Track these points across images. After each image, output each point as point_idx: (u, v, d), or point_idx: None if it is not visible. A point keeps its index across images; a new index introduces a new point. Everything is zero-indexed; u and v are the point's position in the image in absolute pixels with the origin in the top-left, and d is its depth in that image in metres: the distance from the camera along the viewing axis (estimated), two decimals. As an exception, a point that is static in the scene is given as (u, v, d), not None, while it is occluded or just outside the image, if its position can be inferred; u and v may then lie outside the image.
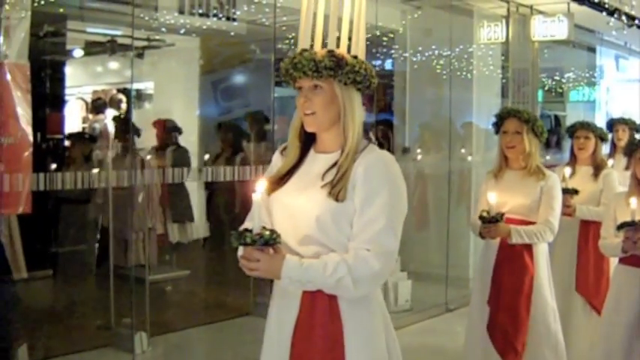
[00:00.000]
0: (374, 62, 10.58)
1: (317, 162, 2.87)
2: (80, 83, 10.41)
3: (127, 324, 6.28)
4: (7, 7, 4.88)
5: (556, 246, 5.58)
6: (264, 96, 9.07)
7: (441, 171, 9.14)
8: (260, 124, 8.52)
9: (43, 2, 5.40)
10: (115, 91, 10.38)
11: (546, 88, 12.91)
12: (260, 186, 2.68)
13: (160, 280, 7.75)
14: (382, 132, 9.78)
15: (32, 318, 6.17)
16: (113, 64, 10.59)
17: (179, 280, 8.18)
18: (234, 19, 7.58)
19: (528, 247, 4.96)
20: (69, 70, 9.53)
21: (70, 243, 7.76)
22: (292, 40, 9.01)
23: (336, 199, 2.71)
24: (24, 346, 5.21)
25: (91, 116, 10.09)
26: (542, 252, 5.05)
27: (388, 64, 10.37)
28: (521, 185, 5.00)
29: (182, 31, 8.24)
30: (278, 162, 3.00)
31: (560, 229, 5.06)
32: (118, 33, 8.55)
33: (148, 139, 7.87)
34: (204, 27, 7.91)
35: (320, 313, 2.76)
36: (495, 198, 4.89)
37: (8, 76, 4.59)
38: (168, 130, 8.04)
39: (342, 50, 2.82)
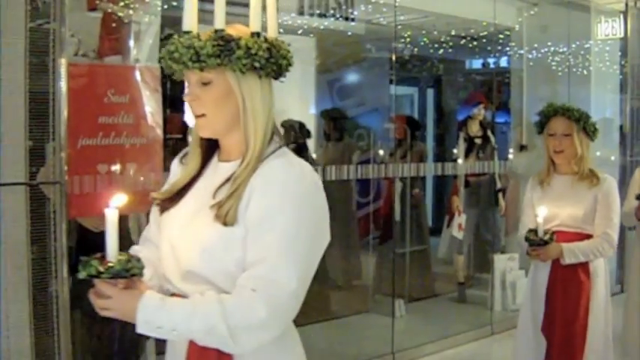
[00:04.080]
0: (489, 60, 10.53)
1: (218, 173, 2.26)
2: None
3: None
4: (136, 12, 5.05)
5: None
6: (380, 94, 9.12)
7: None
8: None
9: (167, 7, 5.53)
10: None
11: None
12: (117, 200, 2.11)
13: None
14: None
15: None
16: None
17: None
18: (352, 19, 7.66)
19: (584, 264, 4.40)
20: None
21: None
22: (408, 39, 9.07)
23: (224, 223, 2.10)
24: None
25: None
26: (600, 268, 4.49)
27: (504, 62, 10.28)
28: (571, 193, 4.44)
29: (299, 32, 8.35)
30: (177, 172, 2.41)
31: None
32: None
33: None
34: (322, 27, 7.99)
35: None
36: (545, 214, 4.31)
37: (139, 79, 4.73)
38: (288, 130, 8.13)
39: (241, 28, 2.20)
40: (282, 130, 8.37)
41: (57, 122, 4.33)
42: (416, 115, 12.21)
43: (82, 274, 2.03)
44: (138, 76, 4.73)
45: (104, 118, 4.54)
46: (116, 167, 4.55)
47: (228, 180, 2.17)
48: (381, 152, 8.37)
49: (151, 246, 2.39)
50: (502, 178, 8.46)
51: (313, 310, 7.62)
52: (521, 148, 9.39)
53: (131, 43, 4.98)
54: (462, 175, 8.27)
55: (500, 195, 8.40)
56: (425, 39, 9.98)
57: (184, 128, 7.19)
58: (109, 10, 4.97)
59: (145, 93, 4.72)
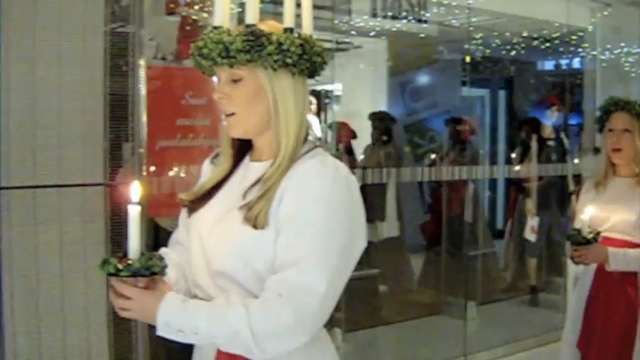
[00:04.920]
0: (562, 61, 10.43)
1: (250, 173, 2.16)
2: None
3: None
4: (212, 16, 5.11)
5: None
6: (451, 96, 9.10)
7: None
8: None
9: (242, 10, 5.59)
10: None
11: None
12: (135, 191, 2.02)
13: (351, 277, 7.85)
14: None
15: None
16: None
17: (369, 278, 8.26)
18: (424, 21, 7.66)
19: (631, 276, 3.91)
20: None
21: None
22: (480, 41, 9.03)
23: (254, 226, 2.00)
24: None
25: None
26: None
27: (576, 63, 10.16)
28: (627, 197, 3.96)
29: (372, 34, 8.37)
30: (207, 173, 2.32)
31: None
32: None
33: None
34: (394, 29, 8.00)
35: None
36: (592, 213, 3.85)
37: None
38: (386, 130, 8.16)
39: (274, 25, 2.12)
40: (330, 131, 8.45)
41: (136, 124, 4.40)
42: (487, 118, 12.15)
43: (101, 272, 1.95)
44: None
45: (182, 120, 4.61)
46: (194, 168, 4.60)
47: (258, 181, 2.09)
48: (451, 155, 8.33)
49: (179, 249, 2.32)
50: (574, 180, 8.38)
51: (386, 312, 7.65)
52: (596, 150, 9.28)
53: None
54: (535, 178, 8.20)
55: (573, 197, 8.31)
56: (497, 40, 9.91)
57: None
58: (186, 14, 5.04)
59: (222, 95, 4.77)
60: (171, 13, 5.02)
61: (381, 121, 8.42)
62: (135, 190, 2.02)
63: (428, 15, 7.67)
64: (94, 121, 4.29)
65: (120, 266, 1.93)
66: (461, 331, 6.82)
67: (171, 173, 4.55)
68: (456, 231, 8.09)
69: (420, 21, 7.64)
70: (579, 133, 9.72)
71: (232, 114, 2.10)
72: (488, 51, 10.12)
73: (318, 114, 10.05)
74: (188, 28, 5.04)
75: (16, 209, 3.98)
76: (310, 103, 9.92)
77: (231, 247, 2.05)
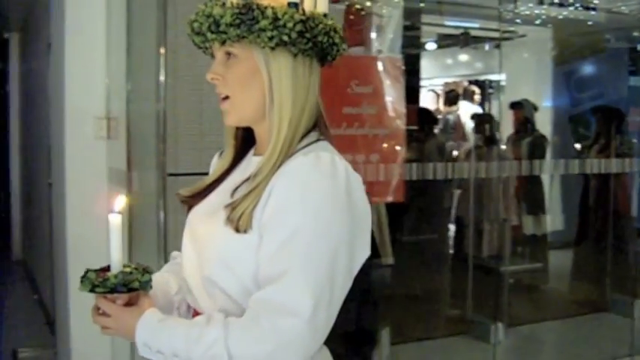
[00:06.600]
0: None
1: (250, 168, 1.88)
2: (431, 75, 10.65)
3: (484, 313, 6.35)
4: (377, 4, 5.11)
5: None
6: (619, 87, 8.81)
7: None
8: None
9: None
10: (466, 83, 10.55)
11: None
12: (119, 202, 1.84)
13: (514, 271, 7.74)
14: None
15: (393, 302, 6.39)
16: (463, 57, 10.76)
17: (532, 272, 8.12)
18: (592, 8, 7.44)
19: None
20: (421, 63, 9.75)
21: (422, 232, 7.94)
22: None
23: (236, 229, 1.74)
24: (387, 329, 5.42)
25: (443, 108, 10.32)
26: None
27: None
28: None
29: (537, 22, 8.19)
30: (214, 167, 2.08)
31: None
32: (474, 25, 8.64)
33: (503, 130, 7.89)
34: (560, 17, 7.81)
35: None
36: None
37: (382, 69, 4.77)
38: (523, 119, 7.99)
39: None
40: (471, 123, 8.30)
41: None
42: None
43: (80, 288, 1.77)
44: (380, 66, 4.77)
45: (348, 109, 4.61)
46: (360, 157, 4.60)
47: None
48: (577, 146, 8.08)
49: None
50: None
51: (548, 307, 7.50)
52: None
53: (373, 34, 5.03)
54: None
55: None
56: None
57: (421, 119, 7.25)
58: (351, 3, 5.05)
59: (387, 83, 4.76)
60: (336, 1, 5.03)
61: (521, 110, 8.22)
62: (118, 199, 1.84)
63: (596, 1, 7.45)
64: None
65: (96, 282, 1.76)
66: (627, 330, 6.59)
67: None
68: (623, 225, 7.84)
69: (587, 8, 7.43)
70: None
71: (226, 97, 1.85)
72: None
73: (482, 104, 9.95)
74: (351, 17, 5.05)
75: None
76: (473, 92, 9.90)
77: (214, 252, 1.81)
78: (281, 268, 1.67)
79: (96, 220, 4.06)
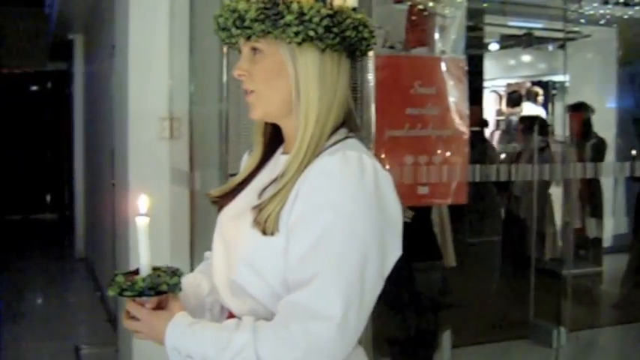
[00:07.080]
0: None
1: (278, 167, 1.84)
2: (493, 76, 10.56)
3: (546, 318, 6.27)
4: (440, 5, 5.07)
5: None
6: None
7: None
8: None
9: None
10: (529, 84, 10.44)
11: None
12: (142, 204, 1.80)
13: (576, 274, 7.64)
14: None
15: (455, 305, 6.34)
16: (526, 57, 10.65)
17: (595, 275, 8.01)
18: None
19: None
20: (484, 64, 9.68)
21: (484, 234, 7.87)
22: None
23: (263, 231, 1.71)
24: (448, 332, 5.38)
25: (506, 109, 10.23)
26: None
27: None
28: None
29: (601, 22, 8.08)
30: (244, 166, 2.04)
31: None
32: (537, 26, 8.55)
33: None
34: (625, 17, 7.69)
35: None
36: None
37: (445, 70, 4.73)
38: (584, 123, 7.88)
39: None
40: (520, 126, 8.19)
41: (365, 113, 4.40)
42: None
43: (109, 292, 1.76)
44: (444, 67, 4.73)
45: (411, 110, 4.58)
46: (423, 158, 4.57)
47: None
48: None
49: None
50: None
51: (611, 312, 7.39)
52: None
53: (436, 35, 4.99)
54: None
55: None
56: None
57: (483, 120, 7.21)
58: (414, 3, 5.02)
59: (450, 84, 4.72)
60: (398, 1, 5.01)
61: (582, 112, 8.06)
62: (143, 201, 1.80)
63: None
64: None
65: (124, 286, 1.74)
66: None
67: (399, 163, 4.52)
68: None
69: (655, 7, 7.32)
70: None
71: (252, 92, 1.81)
72: None
73: (545, 105, 9.83)
74: (414, 18, 5.02)
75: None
76: (537, 93, 9.79)
77: (239, 254, 1.78)
78: (311, 271, 1.63)
79: (157, 220, 4.09)
